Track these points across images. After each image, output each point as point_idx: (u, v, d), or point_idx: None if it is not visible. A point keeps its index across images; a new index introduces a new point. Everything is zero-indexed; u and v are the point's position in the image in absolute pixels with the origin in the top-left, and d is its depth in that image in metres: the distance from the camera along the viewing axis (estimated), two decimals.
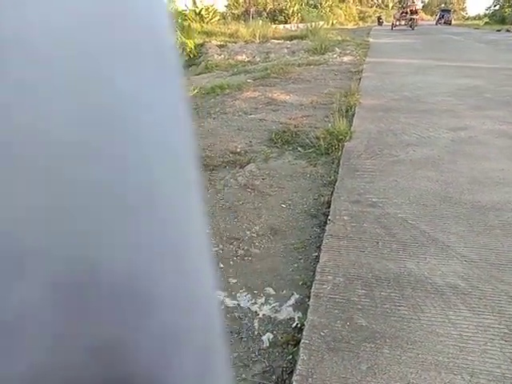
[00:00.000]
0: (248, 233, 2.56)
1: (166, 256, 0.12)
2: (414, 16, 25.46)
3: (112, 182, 0.11)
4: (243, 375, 1.66)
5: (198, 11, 16.48)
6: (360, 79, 6.70)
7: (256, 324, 1.90)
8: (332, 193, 2.91)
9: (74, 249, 0.10)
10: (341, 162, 3.40)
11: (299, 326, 1.84)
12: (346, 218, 2.55)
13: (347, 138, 3.93)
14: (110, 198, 0.11)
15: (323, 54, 9.82)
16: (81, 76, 0.11)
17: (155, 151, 0.13)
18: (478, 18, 45.93)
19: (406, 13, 26.16)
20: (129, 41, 0.12)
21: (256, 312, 1.97)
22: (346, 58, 9.08)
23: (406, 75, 7.15)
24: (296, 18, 21.04)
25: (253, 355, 1.75)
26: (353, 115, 4.69)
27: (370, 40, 13.19)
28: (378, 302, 1.87)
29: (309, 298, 1.94)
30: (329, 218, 2.56)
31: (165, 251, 0.12)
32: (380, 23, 30.83)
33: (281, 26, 17.30)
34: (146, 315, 0.11)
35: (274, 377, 1.64)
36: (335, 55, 9.56)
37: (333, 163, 3.54)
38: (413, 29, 24.34)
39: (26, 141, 0.09)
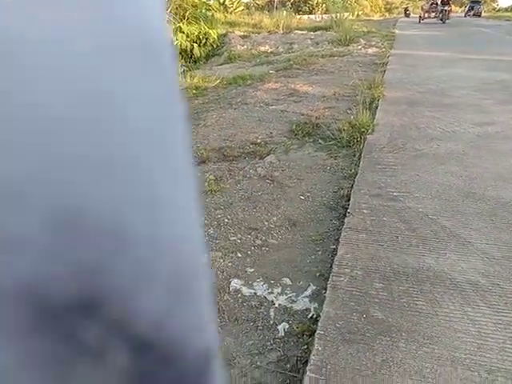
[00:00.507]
0: (266, 223, 2.56)
1: (146, 206, 0.14)
2: (446, 7, 21.98)
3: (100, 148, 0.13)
4: (258, 363, 1.67)
5: (222, 1, 16.44)
6: (384, 71, 6.59)
7: (272, 313, 1.91)
8: (352, 186, 2.88)
9: (66, 192, 0.12)
10: (362, 155, 3.36)
11: (315, 316, 1.84)
12: (365, 211, 2.53)
13: (369, 130, 3.88)
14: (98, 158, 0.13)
15: (347, 45, 9.69)
16: (69, 73, 0.12)
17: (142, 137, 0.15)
18: (511, 9, 44.54)
19: (436, 4, 23.37)
20: (116, 38, 0.14)
21: (272, 301, 1.98)
22: (370, 50, 8.94)
23: (431, 68, 7.00)
24: (321, 9, 20.78)
25: (268, 344, 1.76)
26: (376, 108, 4.63)
27: (396, 32, 12.95)
28: (395, 295, 1.85)
29: (325, 289, 1.94)
30: (348, 210, 2.55)
31: (146, 202, 0.14)
32: (407, 15, 30.13)
33: (305, 17, 17.12)
34: (122, 251, 0.13)
35: (288, 365, 1.65)
36: (360, 47, 9.42)
37: (354, 156, 3.51)
38: (444, 22, 21.29)
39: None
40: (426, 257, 2.10)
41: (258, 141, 3.94)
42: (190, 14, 12.29)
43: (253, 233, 2.47)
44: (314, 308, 1.90)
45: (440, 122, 4.02)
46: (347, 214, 2.51)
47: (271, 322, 1.87)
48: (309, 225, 2.54)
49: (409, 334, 1.65)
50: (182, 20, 11.75)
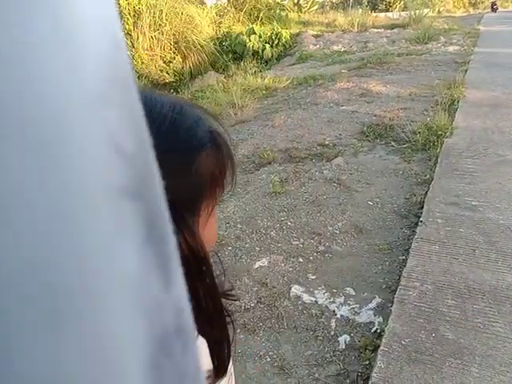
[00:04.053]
0: (330, 229, 2.48)
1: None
2: None
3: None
4: (316, 375, 1.62)
5: (296, 1, 16.37)
6: (466, 71, 6.18)
7: (333, 324, 1.84)
8: (426, 192, 2.72)
9: None
10: (439, 160, 3.16)
11: (379, 331, 1.75)
12: (439, 220, 2.36)
13: (447, 133, 3.64)
14: None
15: (426, 43, 9.21)
16: None
17: None
18: None
19: None
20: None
21: (334, 311, 1.91)
22: (451, 48, 8.44)
23: None
24: (398, 6, 20.02)
25: (327, 356, 1.70)
26: (455, 109, 4.34)
27: (481, 28, 12.11)
28: (469, 315, 1.71)
29: (392, 303, 1.83)
30: (420, 219, 2.40)
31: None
32: (494, 9, 28.17)
33: (381, 14, 16.57)
34: None
35: (347, 381, 1.58)
36: (439, 44, 8.92)
37: (429, 160, 3.31)
38: None
39: None
40: (506, 274, 1.91)
41: (326, 142, 3.85)
42: (263, 14, 12.37)
43: (316, 238, 2.41)
44: (379, 322, 1.80)
45: None
46: (419, 223, 2.36)
47: (332, 333, 1.80)
48: (376, 232, 2.43)
49: (483, 359, 1.50)
50: (255, 21, 11.87)
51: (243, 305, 1.96)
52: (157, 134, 0.44)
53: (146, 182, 0.15)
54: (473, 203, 2.50)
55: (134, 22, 8.96)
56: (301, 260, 2.24)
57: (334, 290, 2.02)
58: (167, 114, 0.47)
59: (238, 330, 1.83)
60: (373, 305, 1.91)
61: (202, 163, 0.47)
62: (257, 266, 2.21)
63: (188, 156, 0.46)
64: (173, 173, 0.42)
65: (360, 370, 1.61)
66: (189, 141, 0.47)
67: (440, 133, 3.61)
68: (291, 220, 2.60)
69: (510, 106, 4.36)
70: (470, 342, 1.58)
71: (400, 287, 1.88)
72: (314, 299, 1.98)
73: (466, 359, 1.51)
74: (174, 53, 9.42)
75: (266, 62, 9.58)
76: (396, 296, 1.83)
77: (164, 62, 9.35)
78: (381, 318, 1.81)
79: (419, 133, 3.71)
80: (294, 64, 8.92)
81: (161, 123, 0.46)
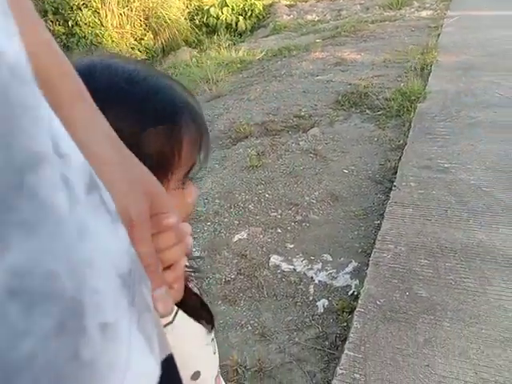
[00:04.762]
0: (307, 198, 2.51)
1: None
2: None
3: None
4: (296, 339, 1.66)
5: None
6: (439, 35, 6.17)
7: (311, 289, 1.89)
8: (400, 157, 2.76)
9: None
10: (412, 125, 3.19)
11: (355, 293, 1.80)
12: (413, 184, 2.41)
13: (421, 98, 3.67)
14: None
15: (399, 9, 9.14)
16: None
17: None
18: None
19: None
20: None
21: (312, 278, 1.95)
22: (424, 13, 8.39)
23: (492, 29, 6.48)
24: None
25: (307, 320, 1.74)
26: (428, 74, 4.36)
27: None
28: (441, 272, 1.77)
29: (367, 266, 1.88)
30: (394, 184, 2.44)
31: None
32: None
33: None
34: None
35: (326, 342, 1.63)
36: (413, 10, 8.86)
37: (403, 126, 3.34)
38: None
39: None
40: (477, 232, 1.97)
41: (302, 113, 3.84)
42: None
43: (293, 208, 2.43)
44: (355, 285, 1.85)
45: (499, 87, 3.73)
46: (393, 188, 2.40)
47: (310, 299, 1.84)
48: (352, 199, 2.47)
49: (454, 313, 1.57)
50: None
51: (224, 277, 1.99)
52: (108, 105, 0.41)
53: None
54: (445, 165, 2.55)
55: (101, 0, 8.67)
56: (279, 231, 2.27)
57: (312, 257, 2.06)
58: (122, 83, 0.45)
59: (220, 302, 1.87)
60: (349, 269, 1.96)
61: (147, 143, 0.45)
62: (236, 239, 2.24)
63: (131, 136, 0.43)
64: None
65: (338, 332, 1.66)
66: (139, 114, 0.45)
67: (413, 98, 3.63)
68: (269, 192, 2.62)
69: (482, 68, 4.39)
70: (442, 298, 1.64)
71: (375, 250, 1.93)
72: (292, 267, 2.02)
73: (438, 314, 1.57)
74: (145, 29, 9.18)
75: (240, 34, 9.42)
76: (371, 259, 1.88)
77: (135, 40, 9.11)
78: (357, 281, 1.87)
79: (393, 99, 3.74)
80: (268, 35, 8.78)
81: (112, 92, 0.45)
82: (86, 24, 8.62)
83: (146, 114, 0.45)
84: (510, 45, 5.17)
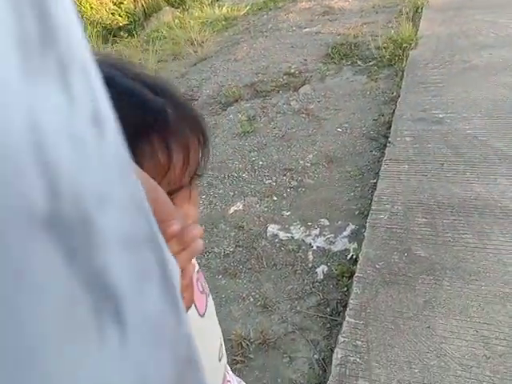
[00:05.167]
0: (302, 162, 2.47)
1: None
2: None
3: None
4: (298, 308, 1.68)
5: None
6: None
7: (310, 256, 1.89)
8: (393, 111, 2.69)
9: None
10: (404, 74, 3.09)
11: (354, 257, 1.80)
12: (407, 138, 2.36)
13: (412, 45, 3.54)
14: None
15: None
16: None
17: None
18: None
19: None
20: None
21: (310, 244, 1.94)
22: None
23: None
24: None
25: (307, 288, 1.75)
26: (420, 17, 4.19)
27: None
28: (439, 230, 1.75)
29: (365, 228, 1.87)
30: (389, 139, 2.39)
31: None
32: None
33: None
34: None
35: (328, 309, 1.64)
36: None
37: (396, 76, 3.24)
38: None
39: None
40: (474, 184, 1.94)
41: (292, 71, 3.72)
42: None
43: (288, 174, 2.40)
44: (354, 248, 1.84)
45: (493, 25, 3.58)
46: (388, 144, 2.35)
47: (310, 266, 1.84)
48: (347, 159, 2.42)
49: (454, 272, 1.56)
50: None
51: (222, 251, 1.99)
52: None
53: (155, 233, 0.18)
54: (440, 116, 2.49)
55: None
56: (275, 198, 2.25)
57: (309, 223, 2.05)
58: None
59: (220, 276, 1.87)
60: (347, 232, 1.95)
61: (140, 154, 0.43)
62: (232, 210, 2.22)
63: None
64: None
65: (339, 298, 1.67)
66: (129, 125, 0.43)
67: (405, 45, 3.51)
68: (262, 159, 2.58)
69: (475, 6, 4.21)
70: (440, 257, 1.63)
71: (371, 212, 1.91)
72: (290, 235, 2.01)
73: (437, 274, 1.57)
74: None
75: None
76: (368, 221, 1.87)
77: (115, 4, 8.77)
78: (355, 244, 1.86)
79: (384, 48, 3.61)
80: None
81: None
82: None
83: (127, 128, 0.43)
84: None
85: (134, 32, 7.30)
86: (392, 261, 1.66)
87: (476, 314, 1.40)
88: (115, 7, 8.70)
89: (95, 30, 7.52)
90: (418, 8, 4.40)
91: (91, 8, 8.39)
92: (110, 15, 8.49)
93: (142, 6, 8.76)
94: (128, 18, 8.60)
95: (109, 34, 7.52)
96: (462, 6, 4.21)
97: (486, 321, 1.38)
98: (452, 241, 1.69)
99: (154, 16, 8.16)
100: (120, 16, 8.57)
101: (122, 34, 7.14)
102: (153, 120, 0.46)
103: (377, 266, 1.64)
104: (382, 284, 1.57)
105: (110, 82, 0.44)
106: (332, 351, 1.43)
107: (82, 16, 8.11)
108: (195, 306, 0.57)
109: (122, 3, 8.69)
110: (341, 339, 1.41)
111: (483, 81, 2.76)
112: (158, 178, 0.45)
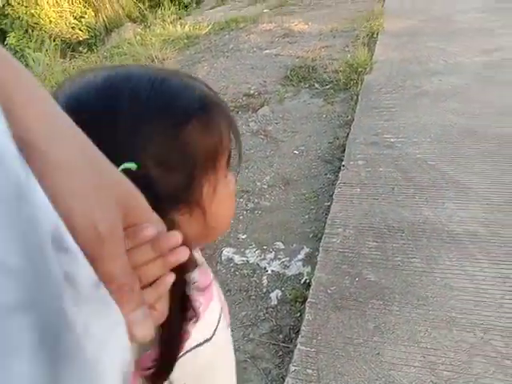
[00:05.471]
0: (259, 184, 2.48)
1: None
2: None
3: None
4: (251, 335, 1.65)
5: None
6: (385, 0, 6.14)
7: (265, 281, 1.88)
8: (347, 134, 2.74)
9: None
10: (359, 98, 3.18)
11: (308, 281, 1.80)
12: (360, 162, 2.41)
13: (367, 69, 3.65)
14: None
15: None
16: None
17: None
18: None
19: None
20: None
21: (265, 268, 1.93)
22: None
23: None
24: None
25: (261, 314, 1.73)
26: (375, 42, 4.34)
27: None
28: (389, 254, 1.79)
29: (319, 251, 1.88)
30: (342, 163, 2.43)
31: None
32: None
33: None
34: None
35: (281, 336, 1.63)
36: None
37: (351, 99, 3.33)
38: None
39: None
40: (423, 208, 2.00)
41: (251, 92, 3.76)
42: None
43: (245, 196, 2.39)
44: (307, 272, 1.85)
45: (443, 52, 3.75)
46: (342, 167, 2.40)
47: (264, 290, 1.83)
48: (302, 182, 2.45)
49: (402, 296, 1.59)
50: None
51: None
52: (135, 113, 0.40)
53: (38, 292, 0.16)
54: (391, 140, 2.56)
55: None
56: (231, 221, 2.23)
57: (265, 247, 2.04)
58: (143, 90, 0.42)
59: None
60: (301, 256, 1.96)
61: (189, 137, 0.43)
62: None
63: (171, 131, 0.42)
64: (159, 155, 0.40)
65: (292, 324, 1.66)
66: (169, 115, 0.42)
67: (360, 69, 3.61)
68: None
69: (428, 33, 4.41)
70: (390, 281, 1.66)
71: (325, 235, 1.93)
72: (245, 259, 2.00)
73: (387, 299, 1.59)
74: (85, 6, 8.69)
75: (186, 6, 9.08)
76: (321, 245, 1.88)
77: (75, 18, 8.63)
78: (309, 268, 1.86)
79: (341, 71, 3.70)
80: (214, 7, 8.50)
81: (137, 100, 0.42)
82: (18, 3, 8.06)
83: (176, 113, 0.43)
84: (452, 7, 5.21)
85: (94, 47, 7.19)
86: (343, 285, 1.67)
87: (423, 340, 1.43)
88: (76, 21, 8.56)
89: (53, 43, 7.36)
90: (373, 33, 4.56)
91: (50, 21, 8.22)
92: (70, 29, 8.34)
93: (104, 20, 8.66)
94: (89, 32, 8.47)
95: (68, 48, 7.37)
96: (416, 32, 4.39)
97: (433, 346, 1.41)
98: (401, 265, 1.72)
99: (116, 31, 8.07)
100: (80, 30, 8.43)
101: (81, 48, 7.00)
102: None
103: (328, 291, 1.65)
104: (334, 309, 1.58)
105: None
106: (283, 380, 1.41)
107: (41, 29, 7.93)
108: (225, 316, 0.55)
109: (83, 17, 8.56)
110: (292, 368, 1.40)
111: (433, 106, 2.87)
112: (213, 157, 0.45)
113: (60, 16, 8.47)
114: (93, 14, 8.72)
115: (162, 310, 0.34)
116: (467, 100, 2.88)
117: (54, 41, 7.61)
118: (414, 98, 3.04)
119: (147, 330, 0.30)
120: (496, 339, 1.40)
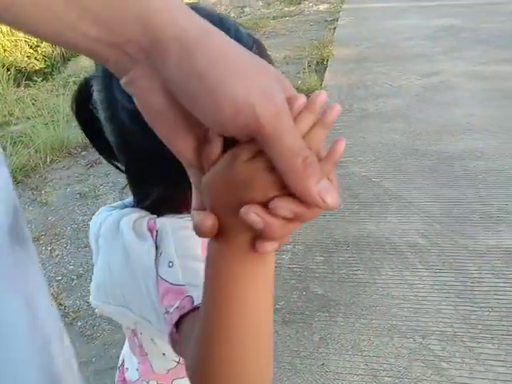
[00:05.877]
0: None
1: None
2: None
3: None
4: None
5: None
6: (335, 28, 6.44)
7: None
8: None
9: None
10: None
11: None
12: None
13: None
14: None
15: (299, 3, 9.42)
16: None
17: None
18: None
19: None
20: None
21: None
22: (322, 7, 8.71)
23: (382, 20, 6.88)
24: None
25: None
26: (325, 69, 4.54)
27: None
28: (335, 267, 1.84)
29: None
30: None
31: None
32: None
33: None
34: None
35: None
36: (311, 4, 9.17)
37: None
38: None
39: None
40: (367, 222, 2.08)
41: None
42: None
43: None
44: None
45: (387, 77, 3.96)
46: None
47: None
48: None
49: (347, 307, 1.64)
50: None
51: None
52: None
53: None
54: (339, 160, 2.65)
55: None
56: None
57: None
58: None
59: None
60: None
61: None
62: None
63: None
64: None
65: None
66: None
67: (310, 94, 3.75)
68: None
69: (373, 59, 4.64)
70: (335, 293, 1.71)
71: (275, 252, 1.96)
72: None
73: (332, 311, 1.63)
74: None
75: None
76: None
77: (30, 47, 8.55)
78: None
79: None
80: None
81: None
82: None
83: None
84: (396, 35, 5.53)
85: (49, 76, 7.13)
86: (291, 300, 1.71)
87: (366, 348, 1.47)
88: (31, 50, 8.48)
89: (9, 73, 7.24)
90: (323, 60, 4.76)
91: (4, 50, 8.11)
92: (26, 58, 8.24)
93: (61, 49, 8.62)
94: (45, 61, 8.39)
95: (23, 77, 7.27)
96: (363, 58, 4.62)
97: (375, 354, 1.45)
98: (346, 277, 1.78)
99: (73, 60, 8.05)
100: (36, 59, 8.35)
101: (35, 78, 6.93)
102: None
103: (277, 306, 1.68)
104: (282, 324, 1.60)
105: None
106: None
107: None
108: None
109: (39, 46, 8.50)
110: None
111: (378, 127, 3.01)
112: None
113: (15, 45, 8.37)
114: (49, 43, 8.66)
115: (335, 181, 0.33)
116: (409, 120, 3.04)
117: (9, 70, 7.50)
118: (361, 119, 3.18)
119: (337, 198, 0.29)
120: (434, 343, 1.46)
